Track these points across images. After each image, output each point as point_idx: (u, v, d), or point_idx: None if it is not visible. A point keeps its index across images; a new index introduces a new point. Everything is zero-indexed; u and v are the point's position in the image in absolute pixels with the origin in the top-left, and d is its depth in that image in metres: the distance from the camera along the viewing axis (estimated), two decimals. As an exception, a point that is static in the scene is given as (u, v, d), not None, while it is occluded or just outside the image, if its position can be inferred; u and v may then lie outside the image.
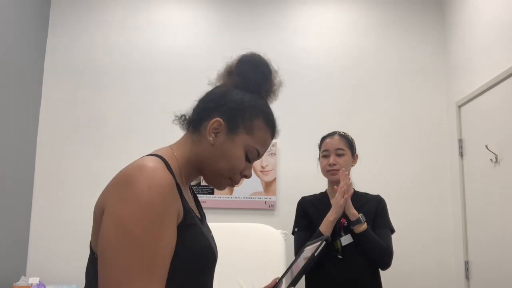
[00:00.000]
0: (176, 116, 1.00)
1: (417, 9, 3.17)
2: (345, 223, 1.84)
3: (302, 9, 3.19)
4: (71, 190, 2.91)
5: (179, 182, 0.86)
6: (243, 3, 3.19)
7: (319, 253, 1.14)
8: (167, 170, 0.81)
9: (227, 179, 0.95)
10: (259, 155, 0.96)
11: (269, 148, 2.97)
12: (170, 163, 0.86)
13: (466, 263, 2.68)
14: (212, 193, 2.95)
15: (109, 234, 0.72)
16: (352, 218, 1.79)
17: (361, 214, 1.80)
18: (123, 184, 0.77)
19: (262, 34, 3.15)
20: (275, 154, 2.99)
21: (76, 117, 3.01)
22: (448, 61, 3.07)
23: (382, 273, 1.93)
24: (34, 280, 2.50)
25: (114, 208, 0.74)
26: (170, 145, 0.96)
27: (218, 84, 1.00)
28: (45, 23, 3.12)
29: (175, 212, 0.79)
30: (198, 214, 0.96)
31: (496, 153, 2.36)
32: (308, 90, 3.09)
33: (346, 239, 1.81)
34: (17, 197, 2.76)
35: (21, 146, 2.81)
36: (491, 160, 2.39)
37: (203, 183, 2.95)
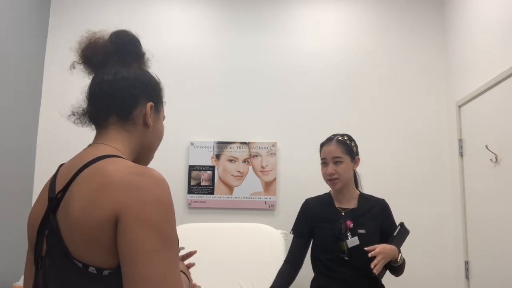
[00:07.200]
0: (76, 113, 0.95)
1: (418, 10, 3.18)
2: (351, 225, 1.84)
3: (302, 9, 3.19)
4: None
5: None
6: (244, 3, 3.20)
7: (397, 232, 1.82)
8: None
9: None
10: None
11: (269, 148, 2.98)
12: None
13: (466, 263, 2.69)
14: (212, 193, 2.95)
15: (143, 237, 0.73)
16: (397, 258, 1.80)
17: (400, 254, 1.81)
18: (135, 190, 0.76)
19: (263, 34, 3.15)
20: (275, 154, 2.99)
21: (76, 117, 3.00)
22: (448, 61, 3.07)
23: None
24: (34, 280, 2.50)
25: (138, 212, 0.74)
26: (104, 144, 0.91)
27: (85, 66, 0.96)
28: (45, 23, 3.12)
29: None
30: None
31: (496, 153, 2.36)
32: (308, 90, 3.09)
33: (352, 241, 1.81)
34: (17, 197, 2.76)
35: (21, 146, 2.81)
36: (491, 160, 2.39)
37: (203, 183, 2.95)
